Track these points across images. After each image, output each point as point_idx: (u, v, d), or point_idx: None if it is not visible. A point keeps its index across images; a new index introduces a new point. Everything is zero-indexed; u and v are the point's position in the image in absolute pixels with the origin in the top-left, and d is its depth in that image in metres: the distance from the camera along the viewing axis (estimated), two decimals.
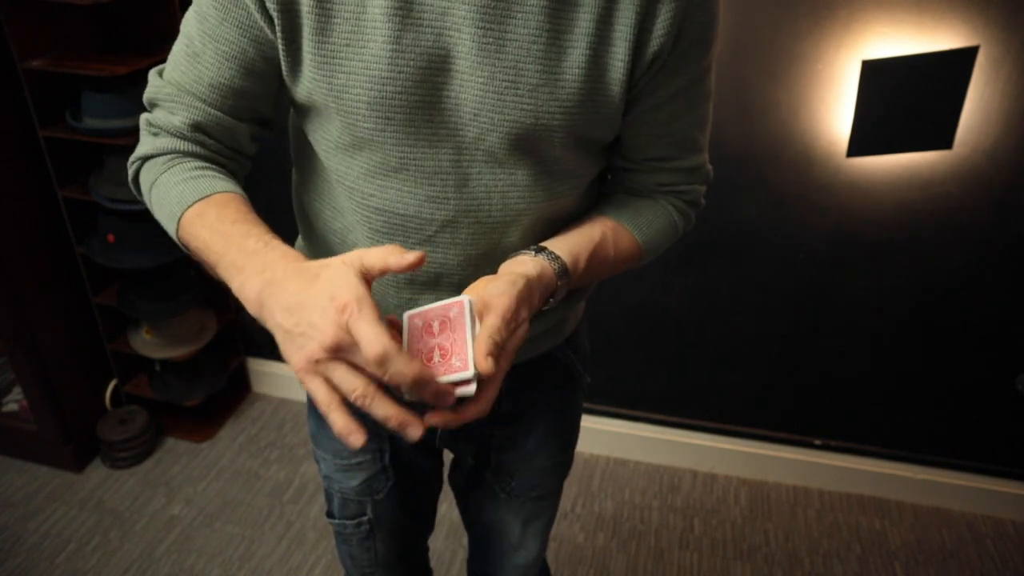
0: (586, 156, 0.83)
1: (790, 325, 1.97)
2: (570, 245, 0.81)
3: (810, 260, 1.87)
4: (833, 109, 1.67)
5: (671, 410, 2.17)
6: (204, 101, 0.78)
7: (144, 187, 0.81)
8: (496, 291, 0.69)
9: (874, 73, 1.59)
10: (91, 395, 2.21)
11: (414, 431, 0.60)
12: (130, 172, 0.83)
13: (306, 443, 2.27)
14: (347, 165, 0.80)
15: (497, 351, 0.65)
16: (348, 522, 1.13)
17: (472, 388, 0.64)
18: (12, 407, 2.21)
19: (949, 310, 1.86)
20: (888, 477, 2.11)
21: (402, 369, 0.58)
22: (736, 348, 2.03)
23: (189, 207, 0.74)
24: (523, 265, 0.75)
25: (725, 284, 1.94)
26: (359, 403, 0.59)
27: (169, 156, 0.79)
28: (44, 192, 1.91)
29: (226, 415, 2.37)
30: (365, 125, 0.75)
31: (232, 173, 0.82)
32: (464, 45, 0.72)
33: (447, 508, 1.92)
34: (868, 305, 1.90)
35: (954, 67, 1.57)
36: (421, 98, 0.74)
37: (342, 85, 0.74)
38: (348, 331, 0.58)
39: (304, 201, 0.92)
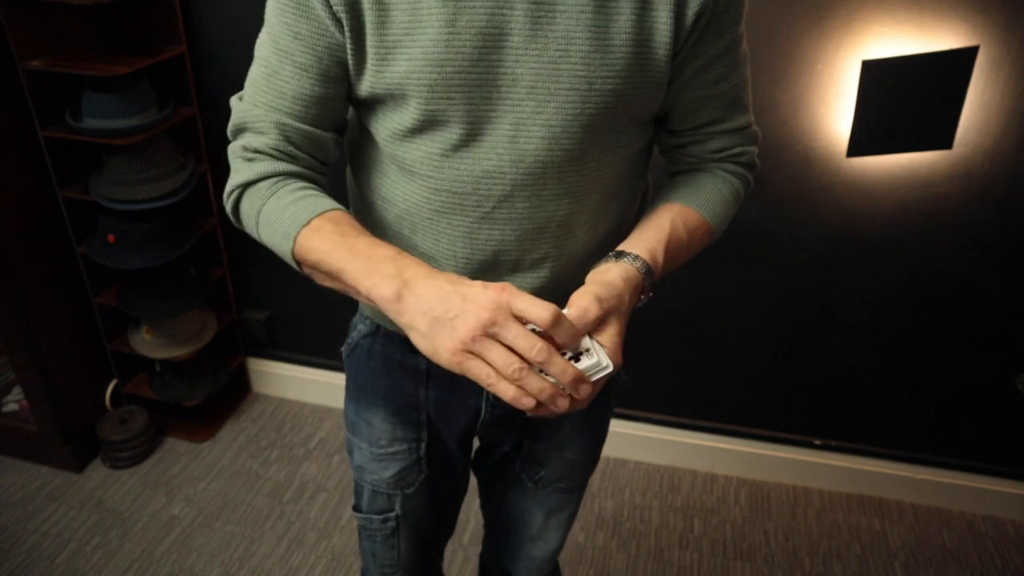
0: (634, 126, 0.86)
1: (790, 325, 1.97)
2: (644, 242, 0.85)
3: (810, 260, 1.87)
4: (833, 109, 1.67)
5: (671, 410, 2.17)
6: (289, 115, 0.82)
7: (248, 214, 0.84)
8: (588, 297, 0.75)
9: (874, 73, 1.59)
10: (91, 395, 2.21)
11: (563, 402, 0.68)
12: (228, 204, 0.86)
13: (306, 443, 2.27)
14: (406, 150, 0.84)
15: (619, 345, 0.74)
16: (375, 517, 1.14)
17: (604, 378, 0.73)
18: (12, 407, 2.21)
19: (949, 310, 1.86)
20: (888, 477, 2.11)
21: (569, 330, 0.68)
22: (736, 348, 2.03)
23: (305, 225, 0.78)
24: (607, 273, 0.80)
25: (725, 283, 1.94)
26: (515, 377, 0.66)
27: (272, 180, 0.82)
28: (44, 192, 1.91)
29: (226, 415, 2.37)
30: (428, 108, 0.79)
31: (323, 188, 0.87)
32: (517, 21, 0.75)
33: None
34: (868, 305, 1.90)
35: (954, 67, 1.57)
36: (479, 76, 0.77)
37: (404, 72, 0.77)
38: (507, 307, 0.67)
39: (360, 195, 0.95)
